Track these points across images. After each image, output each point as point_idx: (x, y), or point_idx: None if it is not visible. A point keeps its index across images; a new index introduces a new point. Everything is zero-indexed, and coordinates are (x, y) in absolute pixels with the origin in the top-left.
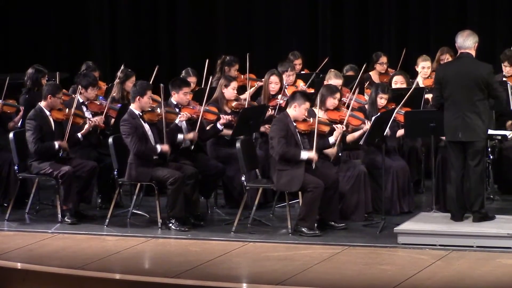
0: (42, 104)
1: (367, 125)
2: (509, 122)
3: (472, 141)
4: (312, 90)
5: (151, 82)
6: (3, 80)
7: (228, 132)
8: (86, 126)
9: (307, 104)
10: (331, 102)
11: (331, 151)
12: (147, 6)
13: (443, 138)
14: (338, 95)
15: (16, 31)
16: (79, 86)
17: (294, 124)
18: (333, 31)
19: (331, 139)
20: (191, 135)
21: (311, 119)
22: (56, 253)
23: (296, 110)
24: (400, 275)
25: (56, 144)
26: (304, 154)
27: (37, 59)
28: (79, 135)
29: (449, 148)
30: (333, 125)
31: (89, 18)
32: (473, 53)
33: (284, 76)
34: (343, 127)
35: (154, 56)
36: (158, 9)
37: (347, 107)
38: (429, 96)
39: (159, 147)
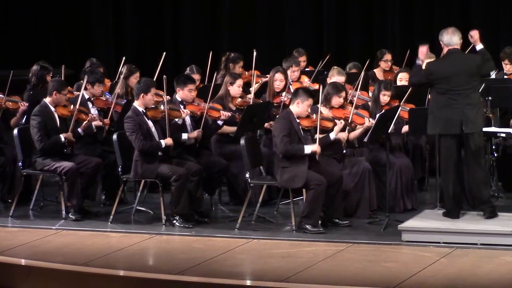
0: (47, 100)
1: (368, 122)
2: None
3: (472, 133)
4: (316, 86)
5: (158, 70)
6: (6, 76)
7: (231, 129)
8: (85, 122)
9: (310, 101)
10: (337, 100)
11: (342, 135)
12: (152, 3)
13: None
14: (343, 94)
15: (19, 28)
16: (85, 82)
17: (298, 120)
18: (338, 28)
19: (332, 135)
20: (195, 134)
21: (314, 115)
22: (60, 249)
23: (299, 107)
24: (404, 272)
25: (62, 136)
26: (308, 149)
27: (41, 56)
28: (80, 130)
29: (445, 142)
30: (335, 121)
31: (92, 15)
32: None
33: (288, 72)
34: (341, 122)
35: (157, 53)
36: (163, 5)
37: (351, 104)
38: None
39: (163, 142)
